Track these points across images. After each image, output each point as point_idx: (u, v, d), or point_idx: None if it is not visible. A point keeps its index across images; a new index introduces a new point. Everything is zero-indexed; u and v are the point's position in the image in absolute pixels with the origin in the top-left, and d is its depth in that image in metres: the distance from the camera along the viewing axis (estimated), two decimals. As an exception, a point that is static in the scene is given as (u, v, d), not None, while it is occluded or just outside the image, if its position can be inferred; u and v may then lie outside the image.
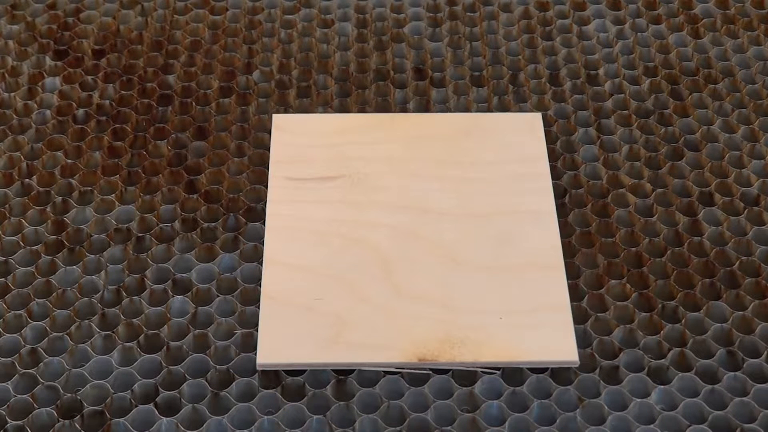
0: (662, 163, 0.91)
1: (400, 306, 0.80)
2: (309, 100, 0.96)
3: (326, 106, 0.96)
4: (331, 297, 0.80)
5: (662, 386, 0.77)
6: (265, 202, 0.87)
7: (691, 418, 0.75)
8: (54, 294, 0.81)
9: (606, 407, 0.75)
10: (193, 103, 0.95)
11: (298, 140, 0.91)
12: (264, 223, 0.86)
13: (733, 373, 0.77)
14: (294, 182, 0.88)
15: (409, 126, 0.93)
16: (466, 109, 0.95)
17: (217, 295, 0.82)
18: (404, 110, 0.95)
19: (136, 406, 0.75)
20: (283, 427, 0.74)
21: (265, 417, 0.75)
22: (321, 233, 0.85)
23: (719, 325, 0.80)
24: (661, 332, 0.80)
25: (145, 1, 1.05)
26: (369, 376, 0.77)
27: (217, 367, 0.78)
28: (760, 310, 0.81)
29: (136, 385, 0.77)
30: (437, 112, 0.95)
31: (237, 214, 0.87)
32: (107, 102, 0.95)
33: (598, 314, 0.81)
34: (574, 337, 0.78)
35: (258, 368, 0.77)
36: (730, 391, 0.76)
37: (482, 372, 0.77)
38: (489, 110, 0.95)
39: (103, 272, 0.83)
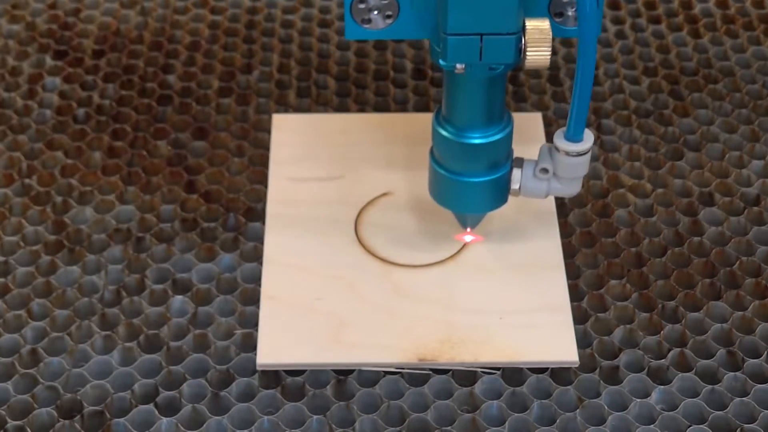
0: (662, 163, 0.91)
1: (400, 306, 0.80)
2: (309, 100, 0.96)
3: (326, 106, 0.96)
4: (331, 297, 0.80)
5: (662, 386, 0.77)
6: (265, 202, 0.87)
7: (691, 418, 0.75)
8: (54, 294, 0.81)
9: (606, 407, 0.75)
10: (193, 103, 0.95)
11: (297, 140, 0.91)
12: (264, 223, 0.86)
13: (733, 373, 0.77)
14: (294, 182, 0.88)
15: (409, 126, 0.93)
16: (466, 109, 0.95)
17: (217, 295, 0.82)
18: (404, 110, 0.95)
19: (136, 406, 0.75)
20: (283, 427, 0.74)
21: (265, 417, 0.75)
22: (321, 233, 0.85)
23: (719, 325, 0.80)
24: (661, 332, 0.80)
25: (145, 1, 1.05)
26: (369, 376, 0.77)
27: (217, 367, 0.78)
28: (760, 310, 0.81)
29: (136, 385, 0.76)
30: (437, 112, 0.95)
31: (237, 214, 0.87)
32: (107, 102, 0.95)
33: (598, 314, 0.81)
34: (574, 337, 0.78)
35: (258, 368, 0.77)
36: (730, 391, 0.76)
37: (482, 372, 0.77)
38: (489, 110, 0.95)
39: (103, 272, 0.83)
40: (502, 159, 0.77)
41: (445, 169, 0.77)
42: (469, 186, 0.76)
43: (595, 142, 0.92)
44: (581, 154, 0.74)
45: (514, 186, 0.77)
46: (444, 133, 0.75)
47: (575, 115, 0.72)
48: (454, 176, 0.76)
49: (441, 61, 0.70)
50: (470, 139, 0.74)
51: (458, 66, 0.69)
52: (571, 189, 0.77)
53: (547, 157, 0.76)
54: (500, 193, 0.78)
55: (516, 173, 0.77)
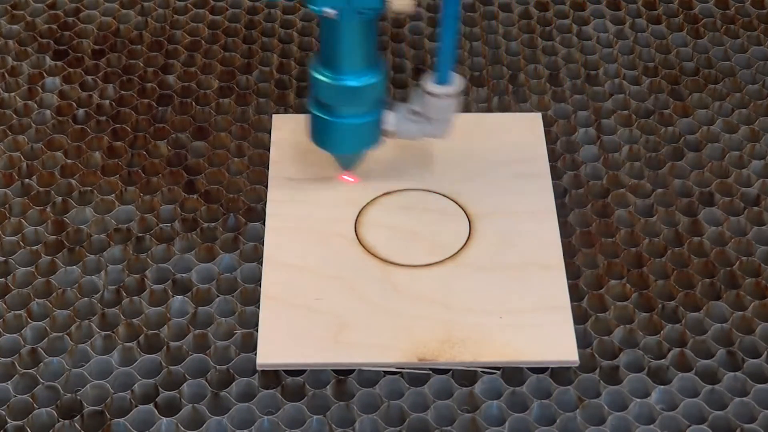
0: (662, 163, 0.91)
1: (400, 306, 0.80)
2: (309, 100, 0.96)
3: (326, 106, 0.96)
4: (331, 297, 0.80)
5: (662, 386, 0.77)
6: (265, 202, 0.87)
7: (691, 418, 0.75)
8: (54, 294, 0.81)
9: (606, 407, 0.75)
10: (193, 103, 0.95)
11: (298, 140, 0.91)
12: (264, 223, 0.86)
13: (733, 373, 0.77)
14: (294, 182, 0.88)
15: (409, 126, 0.93)
16: (467, 109, 0.95)
17: (217, 295, 0.82)
18: (404, 110, 0.95)
19: (136, 406, 0.75)
20: (283, 427, 0.74)
21: (265, 417, 0.75)
22: (321, 233, 0.85)
23: (719, 325, 0.80)
24: (661, 332, 0.80)
25: (145, 1, 1.05)
26: (369, 376, 0.77)
27: (217, 367, 0.78)
28: (760, 310, 0.81)
29: (136, 385, 0.76)
30: (437, 112, 0.95)
31: (237, 214, 0.87)
32: (107, 102, 0.95)
33: (598, 314, 0.81)
34: (574, 337, 0.78)
35: (258, 368, 0.77)
36: (730, 391, 0.76)
37: (482, 372, 0.77)
38: (489, 110, 0.95)
39: (103, 272, 0.83)
40: (377, 102, 0.81)
41: (323, 113, 0.81)
42: (346, 127, 0.82)
43: (594, 142, 0.92)
44: (449, 97, 0.80)
45: (388, 127, 0.82)
46: (320, 77, 0.79)
47: (442, 59, 0.78)
48: (331, 119, 0.81)
49: (312, 6, 0.75)
50: (346, 82, 0.79)
51: (329, 11, 0.75)
52: (442, 130, 0.82)
53: (418, 100, 0.81)
54: (375, 134, 0.83)
55: (389, 115, 0.82)
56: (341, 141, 0.83)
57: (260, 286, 0.81)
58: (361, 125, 0.81)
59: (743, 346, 0.79)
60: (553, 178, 0.89)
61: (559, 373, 0.77)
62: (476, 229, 0.85)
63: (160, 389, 0.76)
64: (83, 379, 0.77)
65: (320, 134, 0.83)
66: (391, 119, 0.82)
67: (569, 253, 0.84)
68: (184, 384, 0.77)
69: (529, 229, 0.85)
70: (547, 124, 0.94)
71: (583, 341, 0.79)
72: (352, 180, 0.87)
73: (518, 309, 0.80)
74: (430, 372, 0.77)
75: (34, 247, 0.85)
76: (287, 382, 0.77)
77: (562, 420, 0.75)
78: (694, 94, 0.96)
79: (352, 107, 0.80)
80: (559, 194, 0.88)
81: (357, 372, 0.77)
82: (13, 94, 0.96)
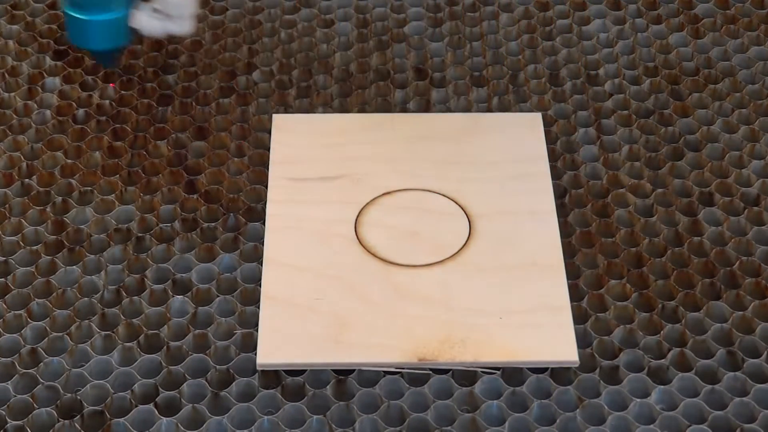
0: (662, 163, 0.91)
1: (400, 306, 0.80)
2: (309, 100, 0.96)
3: (326, 106, 0.96)
4: (331, 297, 0.80)
5: (662, 386, 0.77)
6: (265, 202, 0.87)
7: (691, 418, 0.75)
8: (54, 294, 0.81)
9: (606, 407, 0.75)
10: (193, 103, 0.95)
11: (298, 140, 0.91)
12: (264, 223, 0.86)
13: (733, 373, 0.77)
14: (294, 182, 0.88)
15: (409, 126, 0.93)
16: (466, 109, 0.95)
17: (217, 295, 0.82)
18: (404, 110, 0.95)
19: (136, 406, 0.75)
20: (283, 427, 0.74)
21: (265, 417, 0.75)
22: (321, 233, 0.85)
23: (719, 325, 0.80)
24: (661, 332, 0.80)
25: (145, 1, 1.05)
26: (369, 376, 0.77)
27: (217, 367, 0.78)
28: (760, 310, 0.81)
29: (136, 385, 0.76)
30: (437, 112, 0.95)
31: (237, 214, 0.87)
32: (107, 102, 0.95)
33: (598, 314, 0.81)
34: (574, 337, 0.78)
35: (258, 368, 0.77)
36: (730, 391, 0.76)
37: (482, 372, 0.77)
38: (489, 110, 0.95)
39: (103, 272, 0.83)
40: (124, 1, 0.91)
41: (77, 12, 0.89)
42: (98, 24, 0.91)
43: (594, 142, 0.92)
44: None
45: (134, 25, 0.91)
46: None
47: None
48: (85, 17, 0.89)
49: None
50: None
51: None
52: (183, 27, 0.92)
53: None
54: (125, 31, 0.92)
55: (135, 13, 0.90)
56: (95, 37, 0.91)
57: (260, 286, 0.81)
58: (111, 21, 0.90)
59: (743, 346, 0.79)
60: (553, 178, 0.89)
61: (559, 373, 0.77)
62: (476, 229, 0.85)
63: (160, 389, 0.76)
64: (83, 379, 0.77)
65: (76, 33, 0.92)
66: (136, 17, 0.90)
67: (569, 253, 0.84)
68: (184, 384, 0.77)
69: (529, 229, 0.85)
70: (547, 124, 0.94)
71: (583, 341, 0.79)
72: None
73: (518, 309, 0.80)
74: (430, 372, 0.77)
75: (34, 247, 0.85)
76: (287, 382, 0.77)
77: (562, 420, 0.75)
78: (694, 94, 0.96)
79: (103, 4, 0.89)
80: (559, 194, 0.88)
81: (357, 372, 0.77)
82: (13, 94, 0.96)
